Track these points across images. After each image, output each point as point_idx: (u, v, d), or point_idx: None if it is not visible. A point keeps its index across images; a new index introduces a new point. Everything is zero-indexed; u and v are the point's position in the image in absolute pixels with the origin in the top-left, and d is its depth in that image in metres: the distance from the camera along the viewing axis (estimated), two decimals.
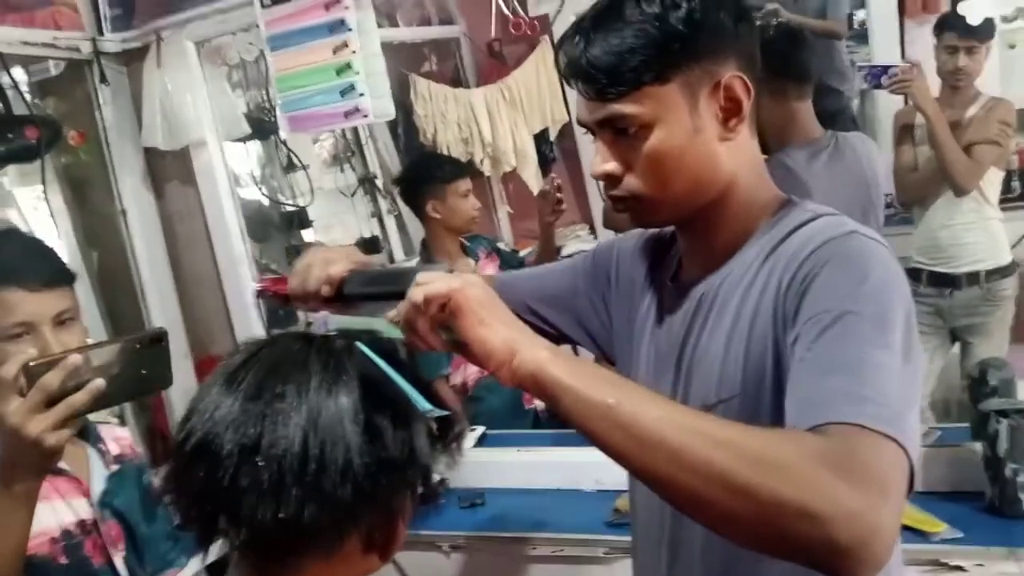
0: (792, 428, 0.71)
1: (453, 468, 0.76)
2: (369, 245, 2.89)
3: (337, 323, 0.78)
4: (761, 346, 0.84)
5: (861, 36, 2.78)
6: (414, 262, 2.72)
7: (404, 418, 0.69)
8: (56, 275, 1.19)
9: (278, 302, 0.99)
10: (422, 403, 0.70)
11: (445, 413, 0.71)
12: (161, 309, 2.25)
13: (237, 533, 0.66)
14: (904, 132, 2.43)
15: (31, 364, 0.90)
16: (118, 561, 1.24)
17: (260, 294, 1.02)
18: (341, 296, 0.93)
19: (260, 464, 0.64)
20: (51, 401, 0.89)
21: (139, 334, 1.02)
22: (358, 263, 0.95)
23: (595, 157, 0.90)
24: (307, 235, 2.73)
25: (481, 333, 0.72)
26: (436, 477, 0.74)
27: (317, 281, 0.92)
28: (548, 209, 2.32)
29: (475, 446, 2.05)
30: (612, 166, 0.88)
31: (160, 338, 0.97)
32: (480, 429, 2.15)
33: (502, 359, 0.71)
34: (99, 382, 0.91)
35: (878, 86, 2.14)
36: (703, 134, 0.86)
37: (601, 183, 0.93)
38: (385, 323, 0.80)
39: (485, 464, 1.91)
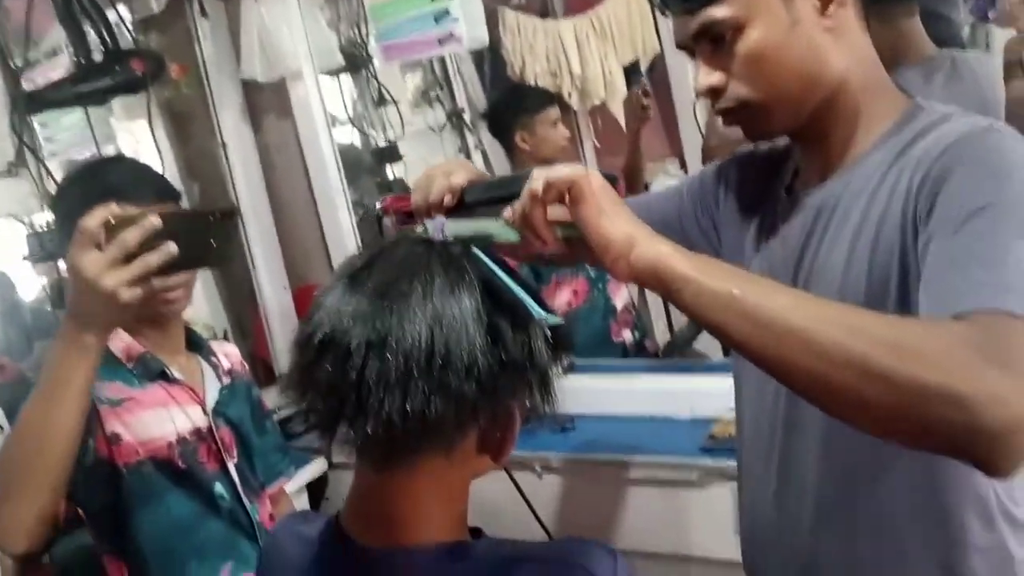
0: (930, 317, 0.68)
1: (562, 376, 0.77)
2: None
3: (452, 230, 0.77)
4: (887, 254, 0.81)
5: None
6: None
7: (522, 322, 0.70)
8: (163, 191, 1.25)
9: (401, 219, 0.98)
10: (537, 309, 0.70)
11: (558, 321, 0.71)
12: (260, 240, 2.31)
13: (363, 425, 0.68)
14: (1014, 65, 2.28)
15: (112, 220, 0.91)
16: (231, 467, 1.31)
17: (384, 212, 1.00)
18: (463, 204, 0.92)
19: (388, 358, 0.66)
20: (127, 258, 0.90)
21: (213, 208, 1.03)
22: (475, 174, 0.94)
23: (697, 74, 0.88)
24: (397, 170, 2.75)
25: (601, 222, 0.71)
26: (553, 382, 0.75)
27: (440, 191, 0.89)
28: (633, 112, 2.29)
29: (565, 372, 2.06)
30: (715, 77, 0.86)
31: (232, 213, 0.99)
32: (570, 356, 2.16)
33: (621, 250, 0.70)
34: (172, 246, 0.92)
35: (985, 18, 1.98)
36: (802, 24, 0.83)
37: (708, 103, 0.90)
38: (499, 225, 0.80)
39: (575, 390, 1.91)
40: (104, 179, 1.23)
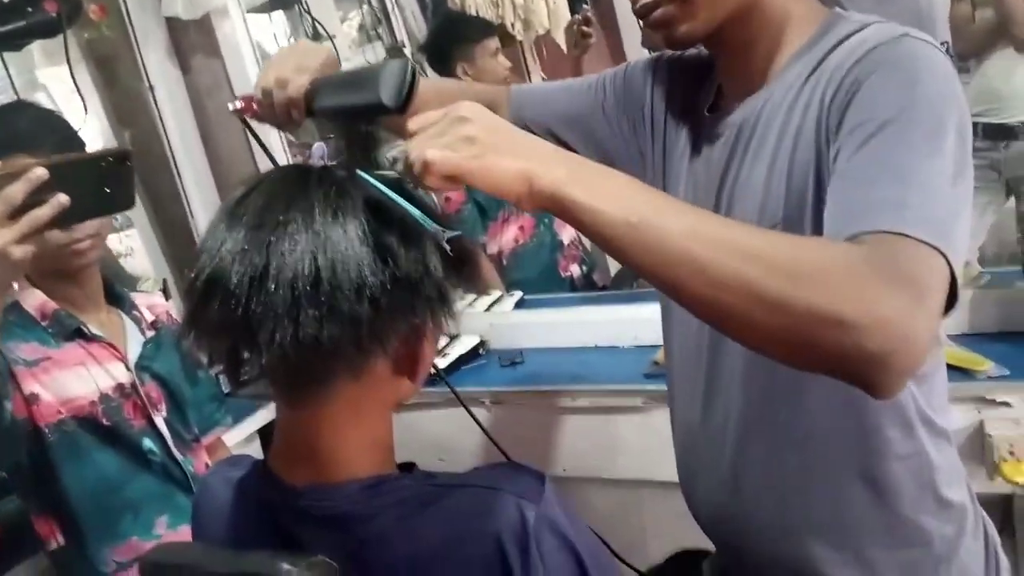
0: (829, 238, 0.68)
1: (469, 290, 0.76)
2: None
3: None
4: (803, 171, 0.80)
5: None
6: None
7: (414, 237, 0.68)
8: (66, 140, 1.19)
9: (260, 121, 0.94)
10: (430, 224, 0.68)
11: (455, 233, 0.69)
12: (196, 186, 2.25)
13: (260, 361, 0.66)
14: None
15: None
16: (159, 422, 1.29)
17: (242, 114, 0.96)
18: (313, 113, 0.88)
19: (271, 290, 0.64)
20: (14, 214, 0.86)
21: (104, 151, 0.98)
22: (317, 68, 0.87)
23: None
24: None
25: (483, 172, 0.66)
26: (455, 297, 0.73)
27: (282, 106, 0.84)
28: (573, 40, 2.26)
29: (513, 309, 2.07)
30: None
31: (125, 157, 0.93)
32: (518, 293, 2.16)
33: (519, 192, 0.66)
34: (62, 197, 0.87)
35: None
36: None
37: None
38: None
39: (523, 325, 1.92)
40: (1, 129, 1.17)
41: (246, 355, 0.68)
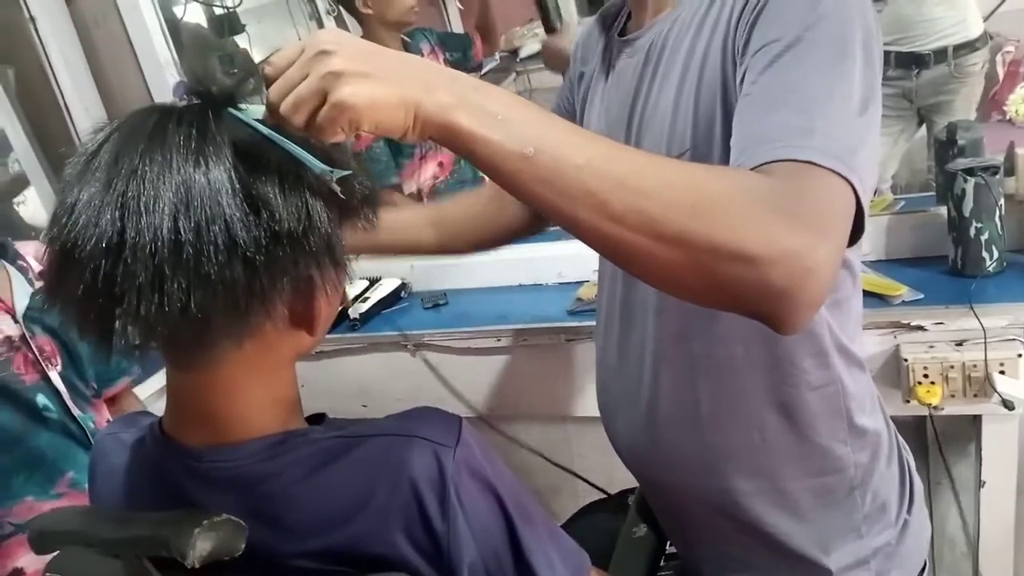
0: (735, 167, 0.65)
1: (369, 231, 0.70)
2: None
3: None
4: (711, 93, 0.77)
5: None
6: None
7: (294, 183, 0.61)
8: None
9: None
10: (316, 164, 0.60)
11: (345, 172, 0.61)
12: (88, 124, 2.10)
13: (130, 333, 0.61)
14: None
15: None
16: (53, 376, 1.22)
17: None
18: None
19: (128, 261, 0.57)
20: None
21: None
22: None
23: None
24: (241, 42, 2.53)
25: (365, 109, 0.57)
26: (343, 243, 0.67)
27: None
28: None
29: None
30: None
31: None
32: None
33: (405, 123, 0.59)
34: None
35: None
36: None
37: None
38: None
39: (446, 266, 1.87)
40: None
41: (117, 324, 0.62)
